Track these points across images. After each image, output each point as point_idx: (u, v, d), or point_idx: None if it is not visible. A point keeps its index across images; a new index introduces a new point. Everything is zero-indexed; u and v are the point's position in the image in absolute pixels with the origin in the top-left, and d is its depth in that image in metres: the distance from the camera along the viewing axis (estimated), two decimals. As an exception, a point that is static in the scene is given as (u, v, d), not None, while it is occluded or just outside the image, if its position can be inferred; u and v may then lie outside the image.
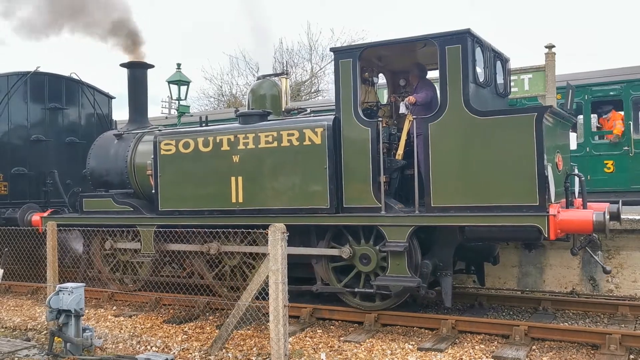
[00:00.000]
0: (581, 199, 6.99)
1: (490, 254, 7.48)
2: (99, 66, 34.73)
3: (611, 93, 11.08)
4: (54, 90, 11.38)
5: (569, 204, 6.82)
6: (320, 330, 6.85)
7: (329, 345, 6.23)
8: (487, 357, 5.71)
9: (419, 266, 6.70)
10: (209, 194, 7.68)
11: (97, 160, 9.43)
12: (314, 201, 6.97)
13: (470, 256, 7.56)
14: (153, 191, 8.20)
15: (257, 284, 5.69)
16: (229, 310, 6.44)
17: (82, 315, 6.10)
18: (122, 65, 9.79)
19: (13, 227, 8.97)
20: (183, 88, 15.73)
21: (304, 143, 7.02)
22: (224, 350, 5.99)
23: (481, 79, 6.69)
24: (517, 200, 6.02)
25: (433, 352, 5.85)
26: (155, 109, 35.12)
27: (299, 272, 7.85)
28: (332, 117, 6.98)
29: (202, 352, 6.05)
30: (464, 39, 6.35)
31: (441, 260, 6.77)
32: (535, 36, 34.98)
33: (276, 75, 8.59)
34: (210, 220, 7.62)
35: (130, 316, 7.87)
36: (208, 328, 7.07)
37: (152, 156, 8.20)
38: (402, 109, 7.09)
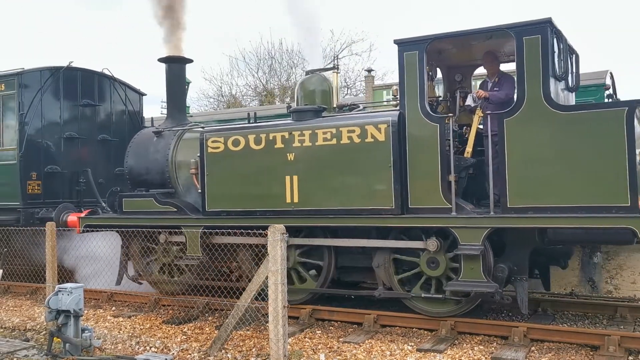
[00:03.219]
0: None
1: (567, 257, 7.10)
2: (122, 66, 34.39)
3: None
4: (86, 86, 11.00)
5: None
6: (320, 331, 6.78)
7: (328, 346, 6.18)
8: (486, 358, 5.65)
9: (493, 270, 6.33)
10: (261, 193, 7.32)
11: (135, 159, 9.04)
12: (377, 201, 6.60)
13: (538, 259, 7.17)
14: (199, 191, 7.86)
15: (256, 285, 5.63)
16: (229, 311, 6.31)
17: (81, 316, 6.07)
18: (160, 60, 9.39)
19: (30, 227, 8.73)
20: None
21: (366, 140, 6.66)
22: (223, 351, 5.95)
23: (558, 72, 6.31)
24: (605, 201, 5.64)
25: (432, 353, 5.78)
26: (155, 109, 34.82)
27: (354, 276, 7.57)
28: (397, 112, 6.63)
29: (201, 352, 6.00)
30: (544, 29, 5.98)
31: (516, 264, 6.40)
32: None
33: (325, 70, 8.24)
34: (263, 221, 7.21)
35: (130, 317, 7.81)
36: (207, 328, 7.00)
37: (198, 154, 7.86)
38: (469, 101, 6.72)
